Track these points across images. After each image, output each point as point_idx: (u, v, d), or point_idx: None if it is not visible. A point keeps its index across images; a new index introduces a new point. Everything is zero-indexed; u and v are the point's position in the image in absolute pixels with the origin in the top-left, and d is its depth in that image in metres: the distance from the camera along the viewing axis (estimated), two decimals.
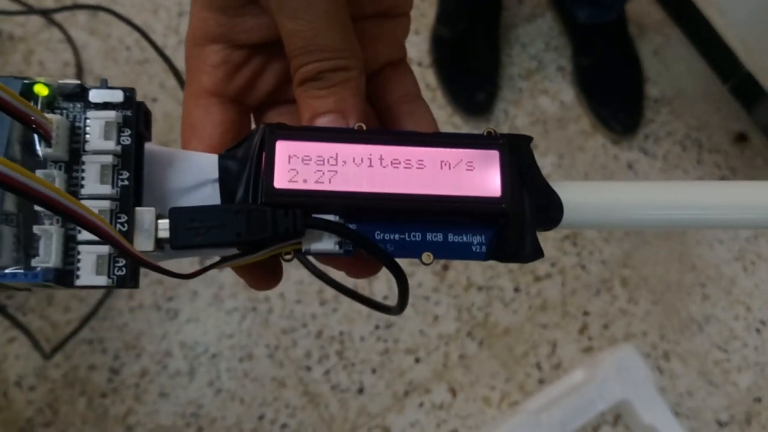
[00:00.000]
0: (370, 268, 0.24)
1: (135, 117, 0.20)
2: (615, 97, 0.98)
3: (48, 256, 0.19)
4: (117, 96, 0.20)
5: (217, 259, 0.22)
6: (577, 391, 0.78)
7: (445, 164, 0.22)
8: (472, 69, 0.98)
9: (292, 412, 0.83)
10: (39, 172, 0.19)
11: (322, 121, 0.23)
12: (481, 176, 0.22)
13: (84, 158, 0.20)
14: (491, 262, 0.85)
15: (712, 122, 1.01)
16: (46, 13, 0.94)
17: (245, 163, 0.22)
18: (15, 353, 0.83)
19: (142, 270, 0.20)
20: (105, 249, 0.19)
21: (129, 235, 0.20)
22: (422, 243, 0.22)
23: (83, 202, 0.18)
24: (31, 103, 0.19)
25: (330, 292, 0.87)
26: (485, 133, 0.23)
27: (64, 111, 0.20)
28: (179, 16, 0.98)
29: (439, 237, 0.22)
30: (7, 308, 0.83)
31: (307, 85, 0.23)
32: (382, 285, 0.87)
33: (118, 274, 0.20)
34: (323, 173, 0.21)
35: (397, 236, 0.22)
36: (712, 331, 0.91)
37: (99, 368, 0.83)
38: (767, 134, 1.00)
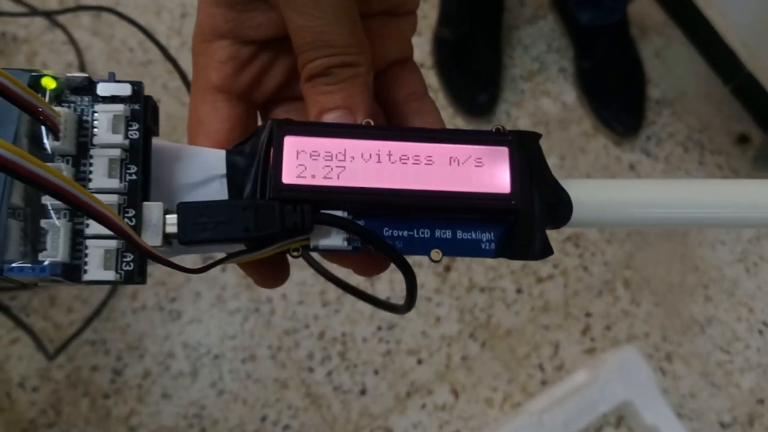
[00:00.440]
0: (378, 266, 0.24)
1: (143, 111, 0.20)
2: (617, 98, 0.98)
3: (55, 250, 0.19)
4: (125, 89, 0.20)
5: (223, 255, 0.22)
6: (580, 393, 0.78)
7: (454, 160, 0.22)
8: (474, 71, 0.98)
9: (295, 414, 0.83)
10: None
11: (330, 117, 0.23)
12: (491, 173, 0.22)
13: (92, 152, 0.20)
14: (494, 263, 0.85)
15: (713, 123, 1.01)
16: (49, 15, 0.94)
17: (253, 158, 0.22)
18: (18, 354, 0.83)
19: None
20: (113, 244, 0.19)
21: (137, 230, 0.20)
22: (431, 240, 0.22)
23: None
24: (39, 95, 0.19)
25: (332, 293, 0.87)
26: (494, 130, 0.23)
27: (72, 104, 0.20)
28: (182, 18, 0.98)
29: (448, 234, 0.22)
30: (10, 309, 0.83)
31: (315, 80, 0.23)
32: (384, 286, 0.87)
33: (125, 269, 0.19)
34: (331, 169, 0.21)
35: (405, 233, 0.22)
36: (714, 333, 0.91)
37: (102, 369, 0.83)
38: None
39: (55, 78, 0.20)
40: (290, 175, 0.21)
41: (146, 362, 0.84)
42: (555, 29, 1.03)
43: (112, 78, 0.20)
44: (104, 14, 0.96)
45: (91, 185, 0.20)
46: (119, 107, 0.20)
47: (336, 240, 0.21)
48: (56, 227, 0.19)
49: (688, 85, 1.02)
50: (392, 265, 0.23)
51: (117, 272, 0.19)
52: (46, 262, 0.19)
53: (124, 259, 0.19)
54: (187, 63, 0.90)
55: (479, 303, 0.89)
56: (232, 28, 0.24)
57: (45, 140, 0.19)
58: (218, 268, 0.73)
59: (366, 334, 0.86)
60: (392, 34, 0.26)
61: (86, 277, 0.19)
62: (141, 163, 0.20)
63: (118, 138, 0.20)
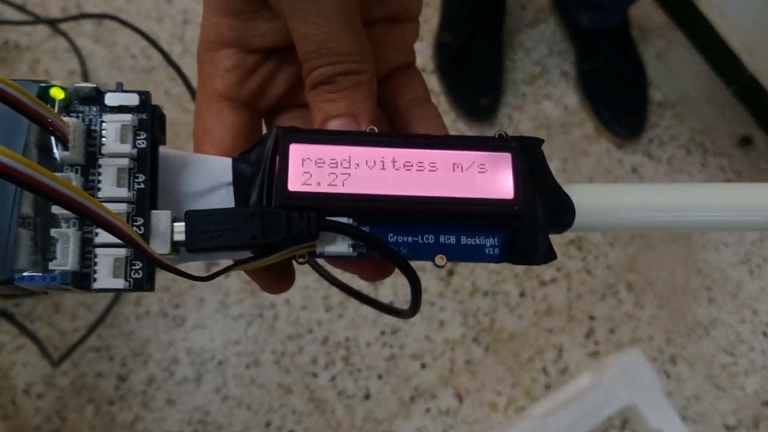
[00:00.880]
0: (383, 271, 0.24)
1: (150, 120, 0.20)
2: (618, 101, 0.99)
3: (65, 259, 0.19)
4: (133, 99, 0.20)
5: (230, 262, 0.22)
6: (584, 396, 0.78)
7: (458, 167, 0.22)
8: (476, 74, 0.98)
9: (299, 419, 0.83)
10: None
11: (334, 125, 0.23)
12: (494, 178, 0.22)
13: (100, 161, 0.20)
14: (497, 267, 0.85)
15: (716, 126, 1.01)
16: (52, 23, 0.95)
17: (259, 166, 0.22)
18: (23, 361, 0.83)
19: None
20: (122, 252, 0.20)
21: (145, 238, 0.20)
22: (435, 245, 0.22)
23: None
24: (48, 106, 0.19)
25: (335, 298, 0.87)
26: (496, 136, 0.23)
27: (80, 114, 0.20)
28: (184, 24, 0.99)
29: (452, 239, 0.22)
30: (15, 316, 0.83)
31: (319, 88, 0.23)
32: (387, 290, 0.87)
33: (134, 277, 0.20)
34: (336, 176, 0.21)
35: (410, 239, 0.22)
36: (718, 335, 0.91)
37: (106, 375, 0.83)
38: None
39: (63, 88, 0.20)
40: (296, 182, 0.21)
41: (150, 368, 0.84)
42: (556, 32, 1.03)
43: (119, 88, 0.20)
44: (106, 21, 0.96)
45: (99, 194, 0.20)
46: (127, 117, 0.20)
47: (341, 246, 0.22)
48: (66, 236, 0.19)
49: (689, 87, 1.02)
50: (396, 270, 0.23)
51: (126, 280, 0.20)
52: (56, 271, 0.19)
53: (133, 267, 0.20)
54: (189, 70, 0.91)
55: (482, 307, 0.89)
56: (237, 37, 0.24)
57: (54, 150, 0.20)
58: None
59: (369, 339, 0.87)
60: (394, 40, 0.26)
61: (96, 286, 0.19)
62: (149, 171, 0.20)
63: (126, 147, 0.20)
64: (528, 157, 0.23)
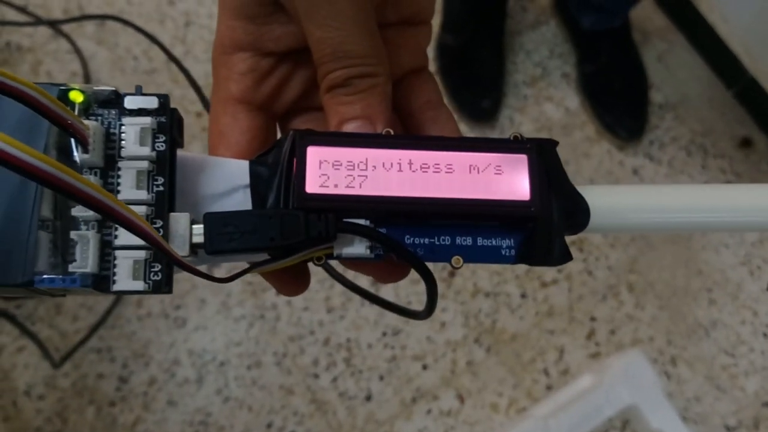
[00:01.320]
0: (398, 273, 0.24)
1: (169, 123, 0.21)
2: (620, 103, 0.99)
3: (85, 261, 0.19)
4: (152, 102, 0.20)
5: (247, 264, 0.22)
6: (585, 397, 0.78)
7: (474, 168, 0.22)
8: (477, 76, 0.98)
9: (300, 420, 0.83)
10: None
11: (350, 127, 0.23)
12: (510, 180, 0.22)
13: (120, 164, 0.20)
14: (498, 268, 0.85)
15: (716, 127, 1.01)
16: (54, 24, 0.95)
17: (276, 168, 0.22)
18: (24, 362, 0.83)
19: None
20: (141, 254, 0.20)
21: (164, 240, 0.20)
22: (452, 247, 0.22)
23: None
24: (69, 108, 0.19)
25: (337, 299, 0.88)
26: (512, 138, 0.23)
27: (100, 117, 0.20)
28: (186, 26, 0.99)
29: (469, 241, 0.22)
30: (16, 317, 0.83)
31: (335, 91, 0.23)
32: (388, 290, 0.87)
33: (153, 279, 0.20)
34: (354, 178, 0.22)
35: (426, 240, 0.22)
36: (719, 336, 0.91)
37: (107, 377, 0.83)
38: None
39: (82, 91, 0.20)
40: (314, 184, 0.21)
41: (152, 370, 0.84)
42: (557, 34, 1.03)
43: (138, 91, 0.21)
44: (108, 23, 0.96)
45: (119, 197, 0.20)
46: (146, 120, 0.20)
47: (359, 248, 0.22)
48: (86, 238, 0.19)
49: (690, 89, 1.02)
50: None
51: (145, 282, 0.20)
52: (76, 273, 0.19)
53: (152, 269, 0.20)
54: (191, 71, 0.91)
55: (484, 308, 0.89)
56: (252, 41, 0.24)
57: (74, 153, 0.20)
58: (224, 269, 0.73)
59: (371, 340, 0.87)
60: (408, 43, 0.26)
61: (115, 288, 0.19)
62: (168, 174, 0.20)
63: (146, 150, 0.20)
64: (544, 159, 0.23)
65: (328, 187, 0.21)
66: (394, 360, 0.86)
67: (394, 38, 0.26)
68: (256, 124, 0.25)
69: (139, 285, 0.19)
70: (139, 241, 0.18)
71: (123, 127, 0.20)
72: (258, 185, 0.22)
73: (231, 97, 0.25)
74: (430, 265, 0.22)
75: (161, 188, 0.20)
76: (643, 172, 0.97)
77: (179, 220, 0.20)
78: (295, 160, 0.22)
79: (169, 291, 0.20)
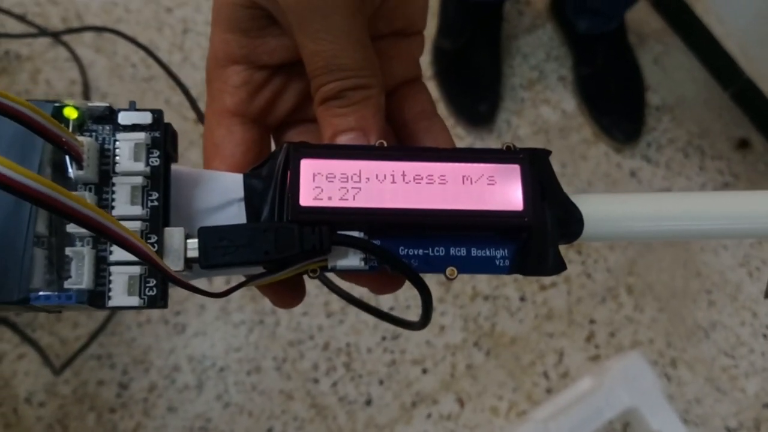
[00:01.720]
0: (393, 284, 0.24)
1: (163, 138, 0.21)
2: (616, 105, 0.99)
3: (80, 277, 0.19)
4: (146, 118, 0.21)
5: (242, 278, 0.22)
6: (585, 400, 0.78)
7: (467, 179, 0.22)
8: (474, 80, 0.98)
9: (300, 425, 0.83)
10: None
11: (344, 139, 0.23)
12: (503, 190, 0.22)
13: (114, 180, 0.20)
14: None
15: (713, 129, 1.01)
16: (55, 35, 0.95)
17: (270, 181, 0.22)
18: (25, 369, 0.83)
19: None
20: (136, 270, 0.20)
21: (159, 255, 0.20)
22: (446, 258, 0.22)
23: None
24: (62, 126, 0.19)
25: (336, 304, 0.88)
26: (504, 148, 0.23)
27: (94, 133, 0.20)
28: (183, 33, 0.99)
29: (463, 251, 0.22)
30: (17, 325, 0.83)
31: (329, 103, 0.23)
32: (387, 298, 0.87)
33: (149, 294, 0.20)
34: (347, 190, 0.22)
35: (421, 251, 0.22)
36: (718, 338, 0.91)
37: (108, 383, 0.83)
38: None
39: (76, 108, 0.20)
40: (307, 197, 0.21)
41: (152, 376, 0.84)
42: (554, 38, 1.03)
43: (132, 107, 0.21)
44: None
45: (114, 212, 0.20)
46: (140, 135, 0.20)
47: (353, 260, 0.22)
48: (81, 255, 0.19)
49: (687, 91, 1.03)
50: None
51: (141, 297, 0.20)
52: (71, 290, 0.19)
53: (147, 285, 0.20)
54: (188, 78, 0.91)
55: (483, 311, 0.89)
56: (245, 54, 0.25)
57: (69, 169, 0.20)
58: (221, 280, 0.73)
59: (370, 345, 0.87)
60: (401, 55, 0.27)
61: (111, 303, 0.20)
62: (162, 189, 0.20)
63: (140, 165, 0.20)
64: (536, 169, 0.23)
65: (321, 199, 0.21)
66: (393, 364, 0.86)
67: (387, 50, 0.26)
68: (250, 136, 0.25)
69: (135, 300, 0.20)
70: (134, 257, 0.18)
71: (117, 143, 0.20)
72: (252, 198, 0.22)
73: (225, 109, 0.25)
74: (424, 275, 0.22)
75: (156, 203, 0.20)
76: (641, 174, 0.98)
77: (174, 234, 0.20)
78: (289, 172, 0.22)
79: (165, 306, 0.20)
